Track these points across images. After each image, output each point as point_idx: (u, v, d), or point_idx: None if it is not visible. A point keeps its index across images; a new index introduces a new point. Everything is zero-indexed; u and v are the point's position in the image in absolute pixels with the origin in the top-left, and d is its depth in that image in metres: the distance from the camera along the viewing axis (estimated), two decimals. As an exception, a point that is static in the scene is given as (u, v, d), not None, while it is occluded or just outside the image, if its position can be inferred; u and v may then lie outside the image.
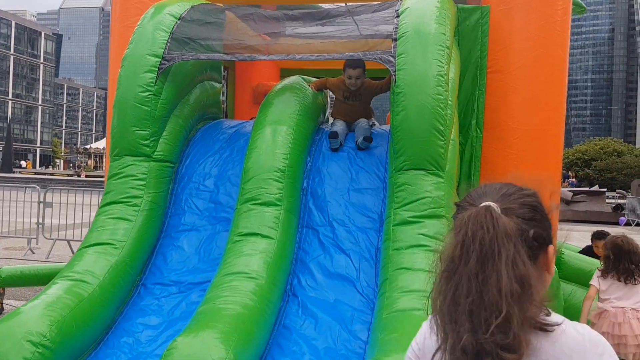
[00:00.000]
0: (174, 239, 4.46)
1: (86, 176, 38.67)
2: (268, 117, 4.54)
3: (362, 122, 5.01)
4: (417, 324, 3.19)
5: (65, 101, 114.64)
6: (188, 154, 4.94)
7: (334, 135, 4.73)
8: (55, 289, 3.64)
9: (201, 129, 5.26)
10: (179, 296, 4.06)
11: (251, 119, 5.91)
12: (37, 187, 11.76)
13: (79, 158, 65.55)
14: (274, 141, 4.35)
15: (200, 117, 5.32)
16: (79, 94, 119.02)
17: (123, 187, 4.35)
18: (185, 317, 3.89)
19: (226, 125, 5.36)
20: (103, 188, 4.69)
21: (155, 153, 4.51)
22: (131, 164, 4.42)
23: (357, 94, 5.16)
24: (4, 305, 6.68)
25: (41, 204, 11.38)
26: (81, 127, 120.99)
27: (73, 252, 10.92)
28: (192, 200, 4.66)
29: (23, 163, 64.02)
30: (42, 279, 6.72)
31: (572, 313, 5.66)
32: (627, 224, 21.67)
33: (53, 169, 73.75)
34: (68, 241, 11.23)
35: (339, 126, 4.93)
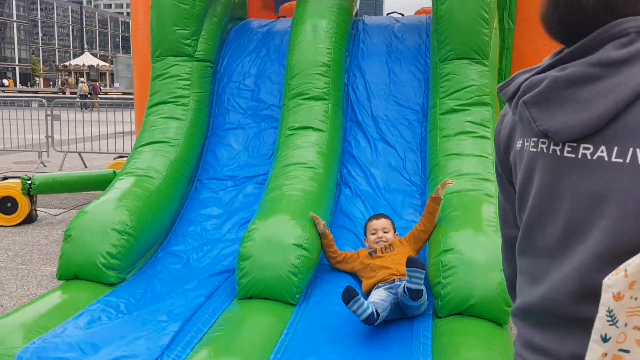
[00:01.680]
0: (221, 137, 4.60)
1: (71, 93, 37.90)
2: (308, 12, 4.55)
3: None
4: (475, 202, 3.46)
5: (39, 17, 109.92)
6: (224, 54, 4.98)
7: (368, 321, 2.72)
8: (124, 183, 3.81)
9: (233, 28, 5.26)
10: (235, 189, 4.26)
11: (278, 17, 5.88)
12: (44, 100, 11.65)
13: (60, 76, 63.95)
14: (316, 36, 4.39)
15: (230, 17, 5.29)
16: (53, 8, 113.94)
17: (169, 87, 4.43)
18: (244, 208, 4.12)
19: (257, 25, 5.35)
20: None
21: (197, 53, 4.55)
22: (174, 64, 4.47)
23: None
24: (38, 212, 6.90)
25: (49, 117, 11.35)
26: (58, 43, 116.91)
27: (85, 165, 11.08)
28: (234, 100, 4.75)
29: (5, 82, 62.37)
30: (74, 186, 6.92)
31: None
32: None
33: (33, 87, 71.94)
34: (79, 153, 11.32)
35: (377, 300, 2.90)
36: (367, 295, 3.13)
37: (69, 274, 3.34)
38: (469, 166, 3.75)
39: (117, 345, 2.58)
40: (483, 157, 3.81)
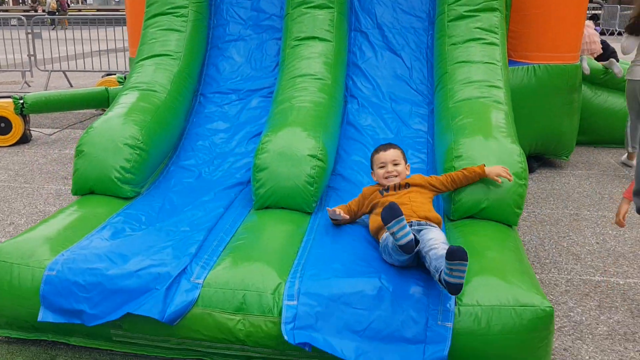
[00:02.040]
0: (222, 49, 4.49)
1: (42, 11, 36.18)
2: None
3: (433, 234, 2.51)
4: (485, 109, 3.48)
5: None
6: (220, -38, 4.75)
7: (407, 248, 2.37)
8: (129, 98, 3.75)
9: None
10: (240, 103, 4.22)
11: None
12: (24, 18, 11.16)
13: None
14: (318, -60, 4.20)
15: None
16: None
17: (166, -3, 4.26)
18: (251, 122, 4.11)
19: None
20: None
21: (192, -40, 4.34)
22: (170, -27, 4.27)
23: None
24: (32, 132, 6.81)
25: (29, 35, 10.92)
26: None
27: (70, 84, 10.81)
28: (233, 10, 4.60)
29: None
30: (67, 104, 6.80)
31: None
32: (602, 33, 21.89)
33: (1, 5, 68.36)
34: (64, 72, 11.02)
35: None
36: (375, 237, 2.79)
37: (85, 189, 3.35)
38: (478, 73, 3.74)
39: (145, 255, 2.64)
40: (492, 64, 3.79)
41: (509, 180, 2.93)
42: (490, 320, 2.27)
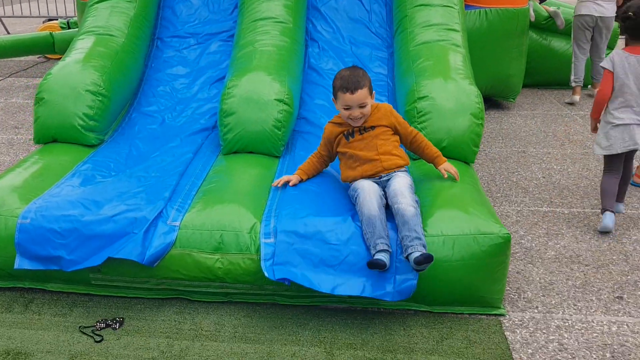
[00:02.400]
0: (178, -8, 4.38)
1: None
2: None
3: (399, 184, 2.65)
4: (444, 52, 3.59)
5: None
6: None
7: (376, 264, 2.43)
8: (86, 43, 3.65)
9: None
10: (199, 47, 4.17)
11: None
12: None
13: None
14: None
15: None
16: None
17: None
18: (211, 66, 4.08)
19: None
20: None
21: None
22: None
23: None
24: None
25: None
26: None
27: (7, 30, 10.21)
28: (187, -50, 4.46)
29: None
30: (9, 51, 6.53)
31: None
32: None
33: None
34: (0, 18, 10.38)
35: (373, 212, 2.55)
36: (345, 181, 2.80)
37: (47, 137, 3.30)
38: (437, 16, 3.83)
39: (119, 200, 2.67)
40: (450, 7, 3.89)
41: (456, 180, 2.85)
42: (454, 248, 2.45)
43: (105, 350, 2.31)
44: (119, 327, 2.45)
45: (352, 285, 2.42)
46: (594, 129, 3.39)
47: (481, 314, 2.56)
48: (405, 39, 3.80)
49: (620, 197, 3.41)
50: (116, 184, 2.85)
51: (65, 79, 3.32)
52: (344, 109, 2.74)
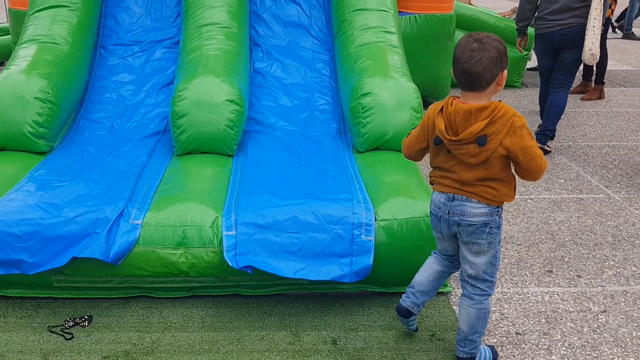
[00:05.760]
0: (119, 0, 4.41)
1: None
2: None
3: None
4: (384, 52, 3.83)
5: None
6: None
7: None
8: (30, 51, 3.63)
9: None
10: (143, 54, 4.22)
11: None
12: None
13: None
14: None
15: None
16: None
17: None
18: (156, 73, 4.14)
19: None
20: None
21: None
22: None
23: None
24: None
25: None
26: None
27: None
28: (126, -41, 4.50)
29: None
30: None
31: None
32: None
33: None
34: None
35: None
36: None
37: (-4, 146, 3.27)
38: (374, 20, 4.07)
39: (79, 203, 2.70)
40: (384, 11, 4.14)
41: None
42: (405, 231, 2.65)
43: (77, 346, 2.35)
44: (87, 324, 2.49)
45: (312, 270, 2.57)
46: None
47: (432, 290, 2.79)
48: (345, 42, 4.01)
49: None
50: (74, 187, 2.88)
51: (11, 87, 3.30)
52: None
